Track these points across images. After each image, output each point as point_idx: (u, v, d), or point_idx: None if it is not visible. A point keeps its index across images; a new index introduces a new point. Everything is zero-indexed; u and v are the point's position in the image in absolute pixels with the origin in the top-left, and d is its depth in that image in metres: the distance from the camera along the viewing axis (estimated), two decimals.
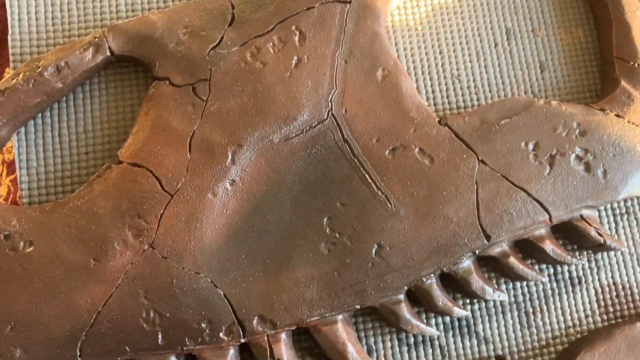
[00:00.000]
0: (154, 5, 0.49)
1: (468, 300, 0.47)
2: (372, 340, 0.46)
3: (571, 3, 0.53)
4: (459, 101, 0.51)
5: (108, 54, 0.45)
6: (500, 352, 0.47)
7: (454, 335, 0.46)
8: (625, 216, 0.50)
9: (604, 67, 0.52)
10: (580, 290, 0.48)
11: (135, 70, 0.48)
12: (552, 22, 0.53)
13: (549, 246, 0.46)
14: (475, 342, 0.47)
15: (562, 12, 0.53)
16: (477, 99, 0.51)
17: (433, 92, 0.51)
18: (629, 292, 0.49)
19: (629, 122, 0.48)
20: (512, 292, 0.48)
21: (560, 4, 0.53)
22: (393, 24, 0.51)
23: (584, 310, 0.48)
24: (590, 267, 0.49)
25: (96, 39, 0.45)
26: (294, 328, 0.43)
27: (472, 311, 0.47)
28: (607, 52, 0.52)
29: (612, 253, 0.49)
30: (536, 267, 0.48)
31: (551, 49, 0.52)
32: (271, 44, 0.46)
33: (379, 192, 0.45)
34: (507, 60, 0.52)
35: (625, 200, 0.50)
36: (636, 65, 0.50)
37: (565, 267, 0.48)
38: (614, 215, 0.50)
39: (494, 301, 0.47)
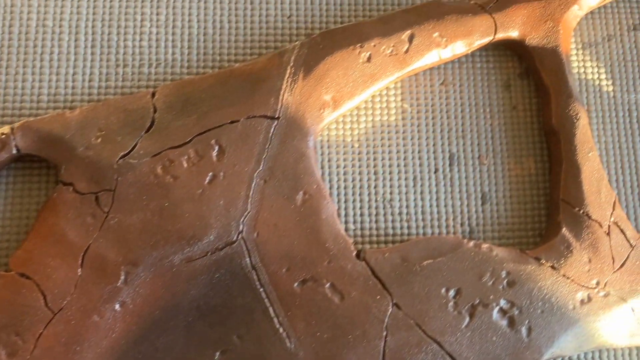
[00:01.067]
0: (78, 97, 0.47)
1: None
2: None
3: (525, 131, 0.51)
4: (387, 228, 0.48)
5: (14, 152, 0.44)
6: None
7: None
8: None
9: (550, 207, 0.49)
10: None
11: (47, 166, 0.46)
12: (502, 150, 0.50)
13: None
14: None
15: (514, 140, 0.50)
16: (408, 228, 0.48)
17: (362, 215, 0.48)
18: None
19: (563, 275, 0.45)
20: None
21: (514, 131, 0.51)
22: (329, 139, 0.49)
23: None
24: None
25: (3, 136, 0.43)
26: None
27: None
28: (554, 191, 0.49)
29: None
30: None
31: (497, 179, 0.50)
32: (186, 157, 0.44)
33: (280, 329, 0.42)
34: (447, 189, 0.49)
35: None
36: (581, 212, 0.47)
37: None
38: None
39: None
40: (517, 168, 0.50)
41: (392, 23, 0.48)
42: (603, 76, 0.53)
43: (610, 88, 0.52)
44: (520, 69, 0.52)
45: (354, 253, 0.44)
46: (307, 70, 0.46)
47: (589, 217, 0.46)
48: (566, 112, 0.48)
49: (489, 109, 0.51)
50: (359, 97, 0.47)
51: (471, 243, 0.45)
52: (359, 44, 0.47)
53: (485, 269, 0.45)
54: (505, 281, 0.45)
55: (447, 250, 0.45)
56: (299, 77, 0.46)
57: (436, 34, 0.48)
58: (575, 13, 0.50)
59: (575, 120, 0.48)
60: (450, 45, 0.49)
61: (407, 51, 0.48)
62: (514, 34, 0.49)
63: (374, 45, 0.47)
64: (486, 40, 0.49)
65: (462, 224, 0.49)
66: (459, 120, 0.50)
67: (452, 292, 0.44)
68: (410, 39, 0.48)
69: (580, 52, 0.53)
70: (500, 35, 0.49)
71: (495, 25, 0.49)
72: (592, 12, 0.54)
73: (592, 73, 0.53)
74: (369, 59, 0.47)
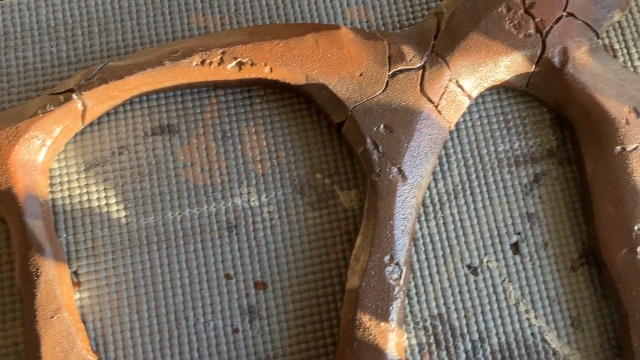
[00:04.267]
0: None
1: None
2: None
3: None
4: None
5: None
6: None
7: None
8: None
9: None
10: None
11: None
12: None
13: None
14: None
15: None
16: None
17: None
18: None
19: None
20: None
21: None
22: None
23: None
24: None
25: None
26: None
27: None
28: None
29: None
30: None
31: None
32: None
33: None
34: None
35: None
36: None
37: None
38: None
39: None
40: None
41: None
42: (113, 199, 0.46)
43: (132, 219, 0.45)
44: None
45: None
46: None
47: None
48: (26, 268, 0.41)
49: None
50: None
51: None
52: None
53: None
54: None
55: None
56: None
57: None
58: (35, 142, 0.43)
59: (35, 278, 0.41)
60: None
61: None
62: None
63: None
64: None
65: None
66: None
67: None
68: None
69: (84, 174, 0.46)
70: None
71: None
72: (98, 124, 0.47)
73: (99, 199, 0.46)
74: None
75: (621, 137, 0.45)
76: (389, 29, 0.50)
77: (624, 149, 0.45)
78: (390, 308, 0.41)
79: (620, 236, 0.44)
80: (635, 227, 0.44)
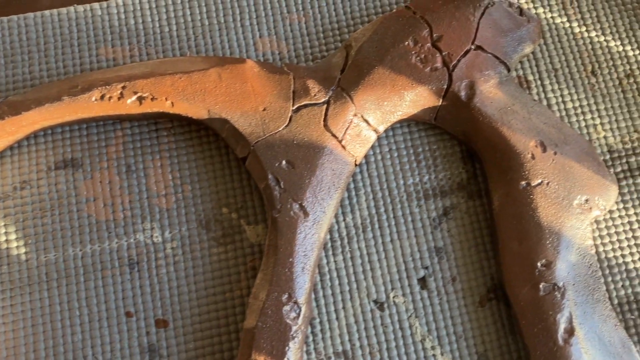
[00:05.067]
0: None
1: None
2: None
3: None
4: None
5: None
6: None
7: None
8: None
9: None
10: None
11: None
12: None
13: None
14: None
15: None
16: None
17: None
18: None
19: None
20: None
21: None
22: None
23: None
24: None
25: None
26: None
27: None
28: None
29: None
30: None
31: None
32: None
33: None
34: None
35: None
36: None
37: None
38: None
39: None
40: None
41: None
42: (13, 235, 0.45)
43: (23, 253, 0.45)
44: None
45: None
46: None
47: None
48: None
49: None
50: None
51: None
52: None
53: None
54: None
55: None
56: None
57: None
58: None
59: None
60: None
61: None
62: None
63: None
64: None
65: None
66: None
67: None
68: None
69: None
70: None
71: None
72: (1, 159, 0.46)
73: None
74: None
75: (526, 172, 0.45)
76: (301, 61, 0.50)
77: (528, 184, 0.45)
78: (287, 348, 0.41)
79: (523, 272, 0.44)
80: (539, 264, 0.44)
